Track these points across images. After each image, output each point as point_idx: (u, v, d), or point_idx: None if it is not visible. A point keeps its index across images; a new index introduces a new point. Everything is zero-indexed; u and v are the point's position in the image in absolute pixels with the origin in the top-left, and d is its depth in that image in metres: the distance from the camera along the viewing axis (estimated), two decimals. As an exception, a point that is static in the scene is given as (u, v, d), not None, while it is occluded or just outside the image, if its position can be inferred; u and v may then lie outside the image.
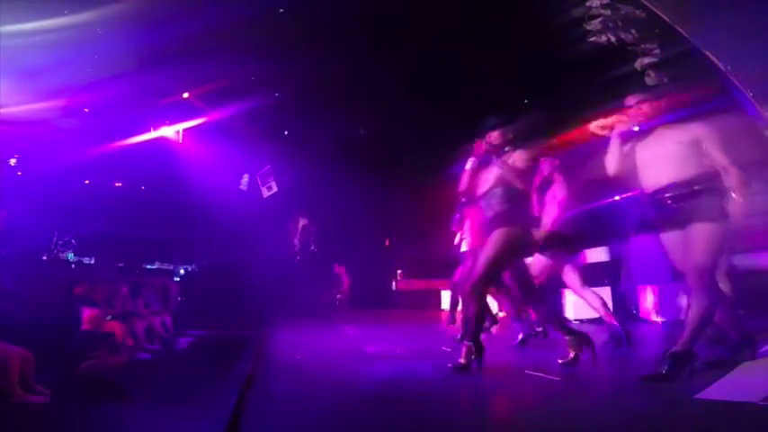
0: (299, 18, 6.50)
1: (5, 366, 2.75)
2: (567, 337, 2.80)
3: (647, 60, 5.09)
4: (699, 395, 2.00)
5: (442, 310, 8.58)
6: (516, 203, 2.89)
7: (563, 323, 3.01)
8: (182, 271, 10.56)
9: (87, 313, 3.71)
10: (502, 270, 2.94)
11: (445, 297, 8.64)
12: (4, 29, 5.31)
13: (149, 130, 8.99)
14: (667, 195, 2.39)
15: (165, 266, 10.49)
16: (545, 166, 3.81)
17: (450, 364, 2.74)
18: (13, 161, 7.99)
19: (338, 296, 9.86)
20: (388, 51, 6.75)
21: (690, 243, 2.30)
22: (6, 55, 5.44)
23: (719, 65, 3.93)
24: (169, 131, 9.17)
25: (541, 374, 2.65)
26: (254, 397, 2.35)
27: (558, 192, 3.74)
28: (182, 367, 4.16)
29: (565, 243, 3.67)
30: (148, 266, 9.99)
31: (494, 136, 3.03)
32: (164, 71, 7.97)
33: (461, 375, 2.66)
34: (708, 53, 3.99)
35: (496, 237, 2.80)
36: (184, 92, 8.69)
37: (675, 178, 2.37)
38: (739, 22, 3.75)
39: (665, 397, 2.13)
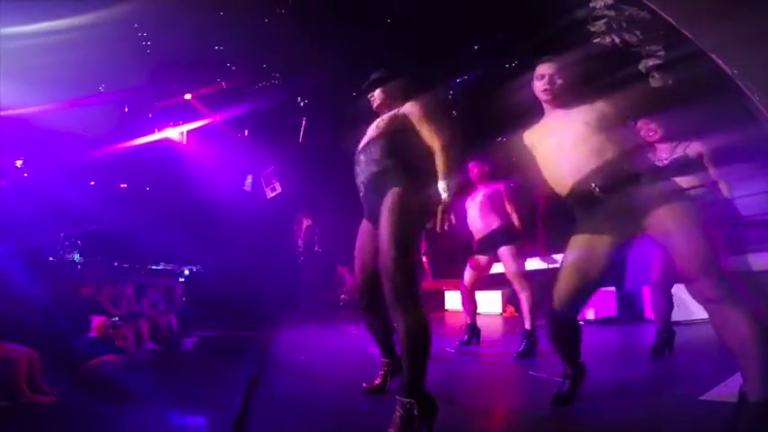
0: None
1: (13, 367, 2.78)
2: (384, 359, 2.50)
3: (651, 62, 5.07)
4: (704, 396, 2.00)
5: (446, 310, 8.58)
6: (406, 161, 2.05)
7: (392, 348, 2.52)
8: (186, 271, 10.57)
9: (96, 321, 3.74)
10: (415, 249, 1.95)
11: (449, 298, 8.63)
12: (8, 30, 5.36)
13: (154, 132, 9.06)
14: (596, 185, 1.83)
15: (170, 267, 10.52)
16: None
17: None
18: (19, 163, 8.06)
19: (342, 296, 9.85)
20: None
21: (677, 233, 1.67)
22: (11, 56, 5.49)
23: (725, 68, 3.89)
24: (173, 133, 9.24)
25: (545, 376, 2.65)
26: (259, 397, 2.37)
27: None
28: (187, 368, 4.18)
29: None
30: (153, 267, 10.02)
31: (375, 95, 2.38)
32: (168, 73, 8.02)
33: (463, 377, 2.65)
34: (713, 56, 3.95)
35: (391, 202, 1.92)
36: (187, 93, 8.76)
37: (598, 163, 1.84)
38: (746, 24, 3.72)
39: (668, 398, 2.13)
